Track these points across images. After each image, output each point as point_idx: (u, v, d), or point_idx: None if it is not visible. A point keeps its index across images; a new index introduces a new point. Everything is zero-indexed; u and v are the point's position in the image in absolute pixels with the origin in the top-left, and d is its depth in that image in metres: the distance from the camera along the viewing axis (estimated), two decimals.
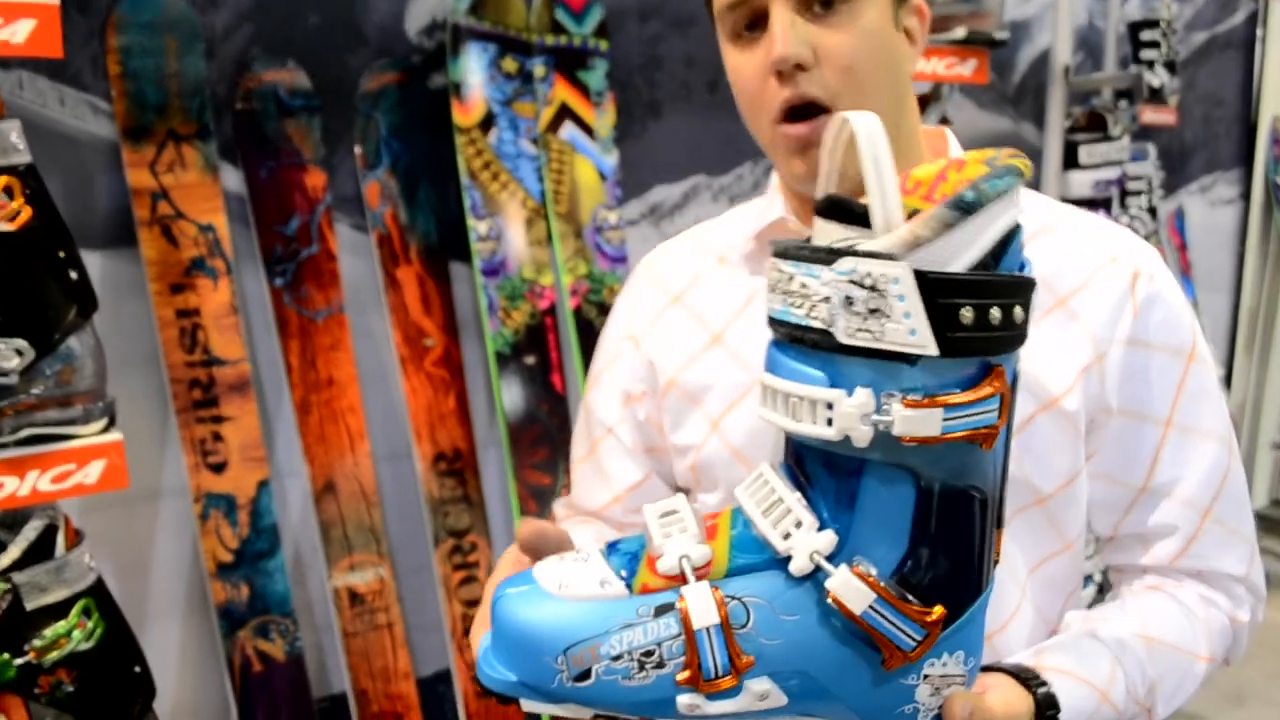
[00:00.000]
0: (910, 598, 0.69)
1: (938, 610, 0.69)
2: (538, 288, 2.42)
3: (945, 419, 0.63)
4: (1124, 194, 3.46)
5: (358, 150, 2.29)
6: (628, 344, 1.14)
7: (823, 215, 0.69)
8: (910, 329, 0.61)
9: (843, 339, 0.63)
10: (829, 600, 0.68)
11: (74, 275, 1.52)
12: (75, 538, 1.53)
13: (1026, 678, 0.86)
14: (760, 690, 0.70)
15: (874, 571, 0.68)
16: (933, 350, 0.62)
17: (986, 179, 0.63)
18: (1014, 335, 0.66)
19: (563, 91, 2.45)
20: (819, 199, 0.70)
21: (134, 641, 1.59)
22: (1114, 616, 0.97)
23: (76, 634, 1.46)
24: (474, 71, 2.35)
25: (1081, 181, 3.25)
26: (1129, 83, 3.27)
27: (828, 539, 0.68)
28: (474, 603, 2.34)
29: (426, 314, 2.34)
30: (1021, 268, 0.68)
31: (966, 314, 0.62)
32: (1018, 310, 0.65)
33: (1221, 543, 0.98)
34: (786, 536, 0.69)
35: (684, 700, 0.70)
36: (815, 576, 0.69)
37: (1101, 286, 0.94)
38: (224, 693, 2.12)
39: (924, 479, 0.67)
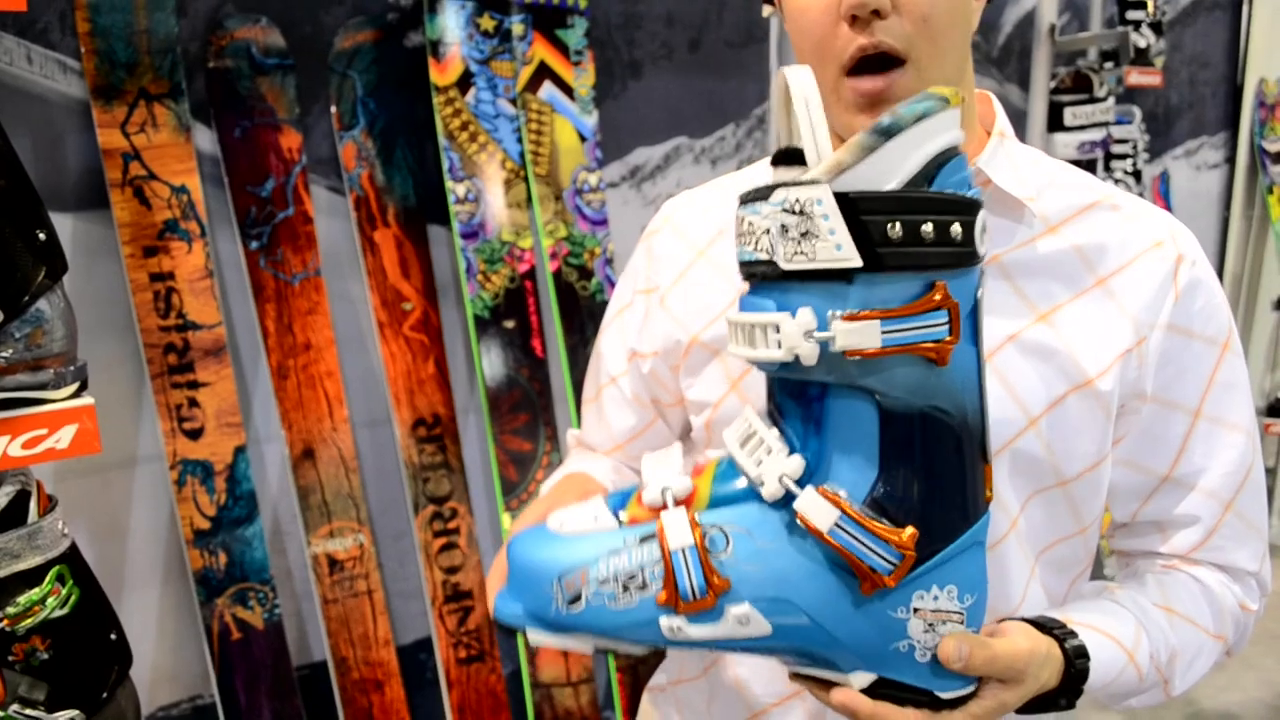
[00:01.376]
0: (882, 520, 0.70)
1: (909, 530, 0.69)
2: (517, 251, 2.39)
3: (884, 331, 0.66)
4: (1109, 157, 3.45)
5: (333, 110, 2.25)
6: (642, 297, 1.12)
7: (775, 164, 0.74)
8: (836, 244, 0.65)
9: (783, 265, 0.67)
10: (799, 521, 0.70)
11: (42, 236, 1.48)
12: (48, 504, 1.51)
13: (1051, 627, 0.85)
14: (740, 614, 0.71)
15: (843, 493, 0.70)
16: (857, 262, 0.65)
17: (905, 104, 0.67)
18: (955, 252, 0.67)
19: (541, 50, 2.41)
20: (774, 152, 0.74)
21: (109, 609, 1.57)
22: (1133, 587, 0.97)
23: (50, 601, 1.44)
24: (451, 29, 2.31)
25: (1066, 143, 3.23)
26: (1115, 43, 3.24)
27: (795, 463, 0.71)
28: (453, 569, 2.33)
29: (405, 277, 2.31)
30: (965, 189, 0.69)
31: (894, 229, 0.65)
32: (955, 227, 0.67)
33: (1240, 537, 0.97)
34: (759, 464, 0.72)
35: (666, 622, 0.72)
36: (789, 503, 0.71)
37: (1145, 270, 0.92)
38: (203, 661, 2.11)
39: (884, 400, 0.69)
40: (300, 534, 2.20)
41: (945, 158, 0.68)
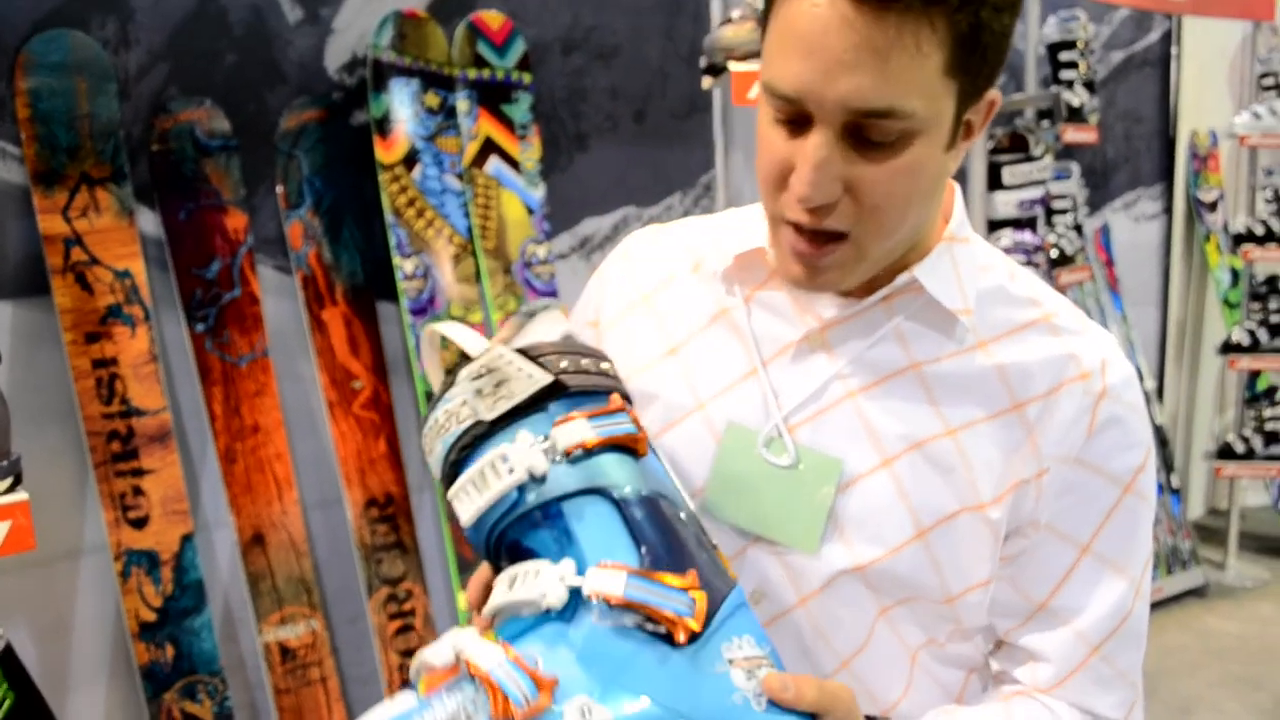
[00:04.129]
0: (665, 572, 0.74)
1: (690, 574, 0.73)
2: (468, 325, 2.38)
3: (594, 426, 0.76)
4: (1049, 212, 3.51)
5: (279, 190, 2.24)
6: (590, 329, 1.08)
7: (447, 378, 0.84)
8: (528, 375, 0.77)
9: (488, 416, 0.76)
10: (592, 599, 0.71)
11: None
12: None
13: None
14: (580, 705, 0.69)
15: (614, 560, 0.74)
16: (549, 379, 0.77)
17: (531, 303, 0.87)
18: (609, 377, 0.82)
19: (487, 125, 2.42)
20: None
21: (47, 710, 1.52)
22: (979, 710, 0.93)
23: None
24: (396, 107, 2.32)
25: (1006, 202, 3.29)
26: (1049, 102, 3.32)
27: (567, 564, 0.74)
28: (409, 652, 2.28)
29: (354, 355, 2.29)
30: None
31: (563, 362, 0.79)
32: (606, 364, 0.83)
33: (1104, 683, 0.92)
34: (534, 587, 0.74)
35: None
36: (577, 598, 0.73)
37: (1065, 402, 0.89)
38: None
39: (617, 492, 0.76)
40: (251, 622, 2.15)
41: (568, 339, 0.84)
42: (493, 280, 2.41)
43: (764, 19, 0.84)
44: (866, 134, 0.78)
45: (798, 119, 0.80)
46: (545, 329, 0.84)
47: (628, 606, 0.71)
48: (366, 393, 2.29)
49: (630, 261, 1.07)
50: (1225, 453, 4.00)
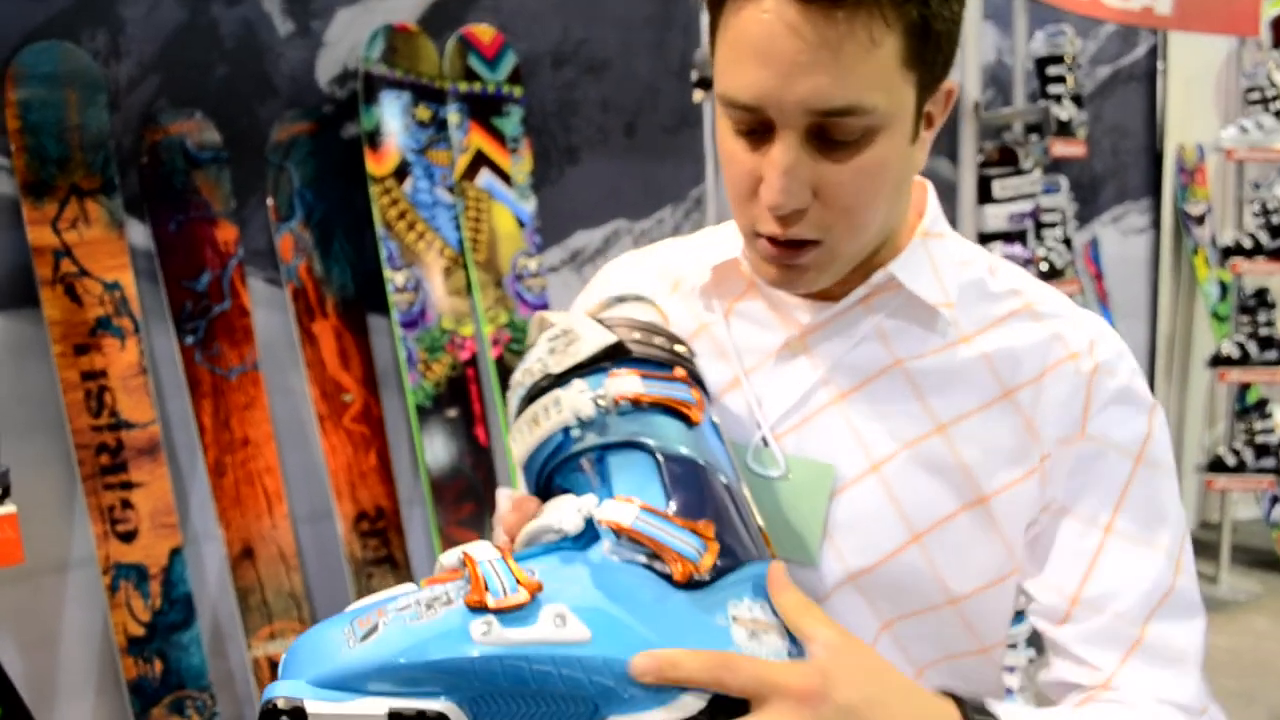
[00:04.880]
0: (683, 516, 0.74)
1: (706, 522, 0.74)
2: (458, 339, 2.38)
3: (644, 383, 0.78)
4: (1039, 226, 3.52)
5: (270, 202, 2.24)
6: None
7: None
8: (596, 335, 0.80)
9: (555, 370, 0.79)
10: (601, 525, 0.71)
11: None
12: None
13: (962, 701, 0.78)
14: (556, 611, 0.67)
15: (638, 499, 0.74)
16: (612, 339, 0.80)
17: (624, 293, 0.91)
18: (686, 361, 0.82)
19: (478, 138, 2.42)
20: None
21: None
22: (1051, 712, 0.87)
23: None
24: (387, 120, 2.32)
25: (996, 215, 3.30)
26: (1038, 116, 3.33)
27: (589, 498, 0.75)
28: None
29: (344, 368, 2.28)
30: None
31: (636, 334, 0.82)
32: (680, 347, 0.84)
33: (1166, 664, 0.86)
34: (556, 514, 0.75)
35: (476, 626, 0.66)
36: (590, 531, 0.73)
37: (1056, 383, 0.87)
38: None
39: (658, 447, 0.76)
40: (240, 636, 2.14)
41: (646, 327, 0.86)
42: (484, 293, 2.40)
43: (712, 32, 0.83)
44: (830, 134, 0.78)
45: (759, 128, 0.80)
46: (636, 310, 0.87)
47: (635, 539, 0.71)
48: (357, 406, 2.29)
49: (610, 287, 1.06)
50: (1216, 466, 4.01)
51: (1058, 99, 3.54)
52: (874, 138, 0.78)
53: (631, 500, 0.73)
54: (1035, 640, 2.87)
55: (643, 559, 0.71)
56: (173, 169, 2.11)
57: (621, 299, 0.88)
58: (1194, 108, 4.51)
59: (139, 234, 2.10)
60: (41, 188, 1.96)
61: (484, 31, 2.44)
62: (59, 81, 1.97)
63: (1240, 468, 3.96)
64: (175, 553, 2.03)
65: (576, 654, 0.67)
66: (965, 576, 0.87)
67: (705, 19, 0.95)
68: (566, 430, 0.77)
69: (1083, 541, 0.88)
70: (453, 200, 2.39)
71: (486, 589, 0.67)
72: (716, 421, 0.83)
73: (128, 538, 1.99)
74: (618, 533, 0.71)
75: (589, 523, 0.73)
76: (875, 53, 0.75)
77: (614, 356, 0.80)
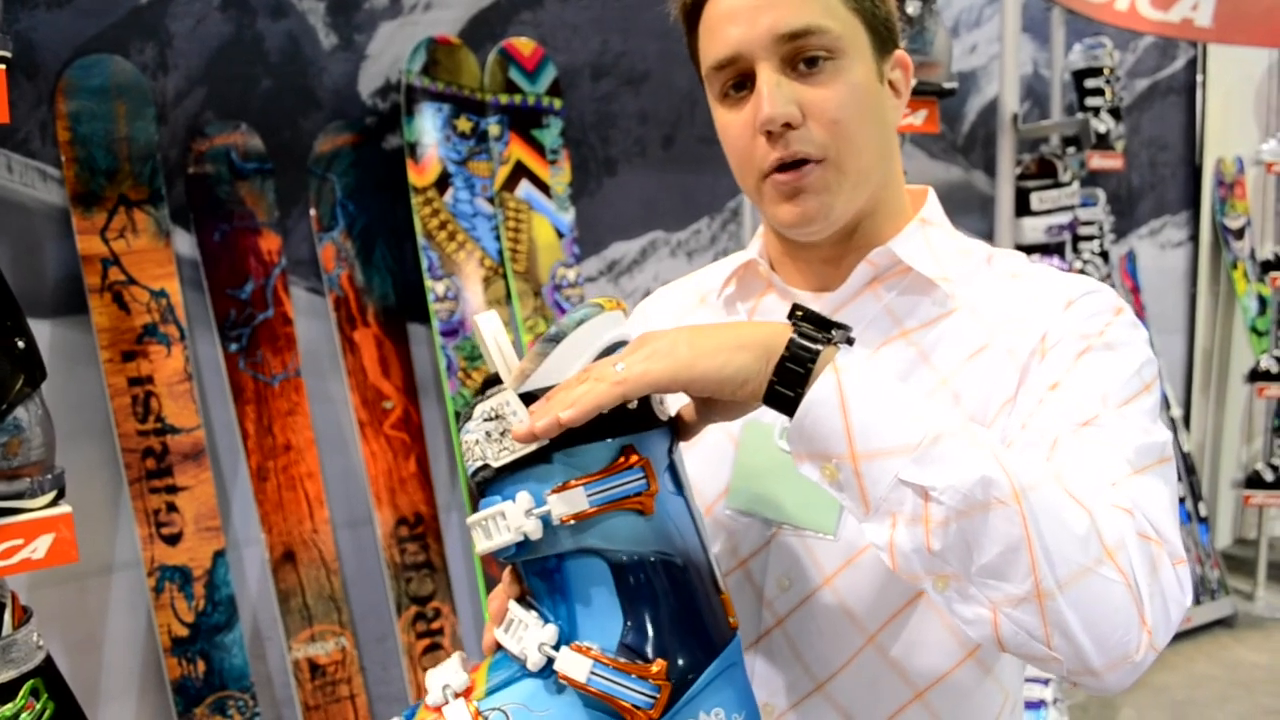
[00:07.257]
0: (634, 661, 0.75)
1: (658, 663, 0.75)
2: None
3: (589, 494, 0.75)
4: (1076, 239, 3.51)
5: (312, 212, 2.27)
6: None
7: (479, 391, 0.82)
8: (525, 425, 0.75)
9: (494, 464, 0.77)
10: (562, 680, 0.75)
11: (21, 344, 1.48)
12: (23, 615, 1.48)
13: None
14: None
15: (595, 645, 0.76)
16: (546, 440, 0.75)
17: (566, 316, 0.80)
18: (633, 419, 0.77)
19: (518, 150, 2.45)
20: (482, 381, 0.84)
21: None
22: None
23: (25, 716, 1.40)
24: (428, 132, 2.35)
25: (1034, 227, 3.29)
26: (1076, 129, 3.33)
27: (550, 631, 0.77)
28: None
29: (385, 376, 2.31)
30: None
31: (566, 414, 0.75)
32: (631, 401, 0.77)
33: (1091, 457, 0.82)
34: (520, 642, 0.78)
35: None
36: (551, 666, 0.76)
37: (1036, 321, 0.92)
38: None
39: (611, 555, 0.76)
40: (281, 638, 2.16)
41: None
42: (523, 302, 2.43)
43: (689, 30, 0.96)
44: (800, 57, 0.90)
45: (740, 80, 0.92)
46: (571, 354, 0.77)
47: (590, 694, 0.75)
48: (397, 413, 2.31)
49: (646, 315, 1.16)
50: (1253, 481, 3.96)
51: (1096, 111, 3.52)
52: (840, 60, 0.90)
53: (588, 651, 0.75)
54: None
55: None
56: (218, 180, 2.15)
57: (555, 336, 0.78)
58: (1233, 120, 4.48)
59: (185, 243, 2.14)
60: (91, 198, 2.00)
61: (524, 44, 2.47)
62: (108, 94, 2.01)
63: (1278, 483, 3.92)
64: (218, 555, 2.06)
65: None
66: None
67: None
68: (519, 544, 0.77)
69: (1028, 407, 0.88)
70: (493, 211, 2.42)
71: None
72: (682, 479, 0.81)
73: (172, 540, 2.02)
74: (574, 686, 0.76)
75: (550, 659, 0.77)
76: None
77: (548, 456, 0.76)
